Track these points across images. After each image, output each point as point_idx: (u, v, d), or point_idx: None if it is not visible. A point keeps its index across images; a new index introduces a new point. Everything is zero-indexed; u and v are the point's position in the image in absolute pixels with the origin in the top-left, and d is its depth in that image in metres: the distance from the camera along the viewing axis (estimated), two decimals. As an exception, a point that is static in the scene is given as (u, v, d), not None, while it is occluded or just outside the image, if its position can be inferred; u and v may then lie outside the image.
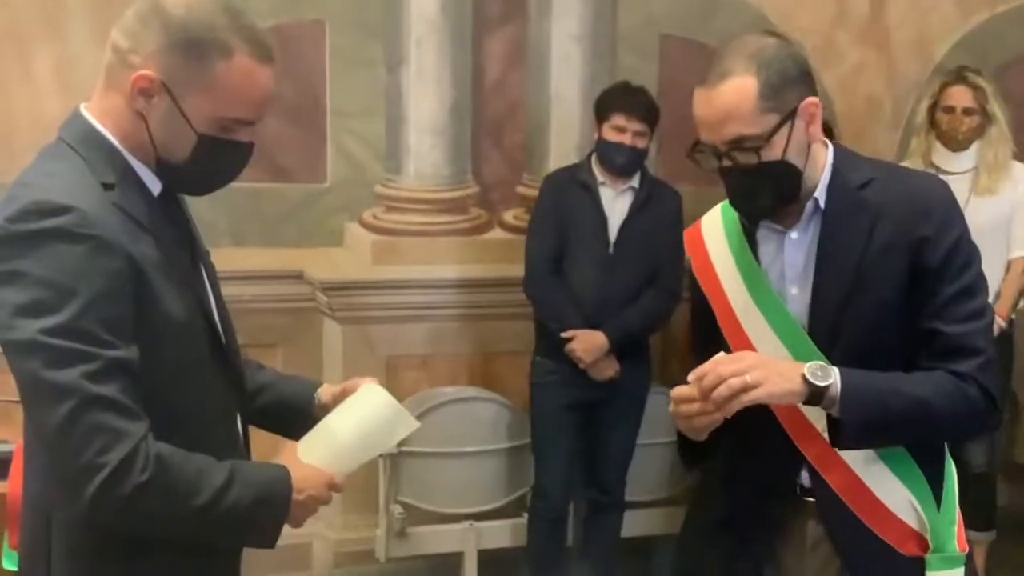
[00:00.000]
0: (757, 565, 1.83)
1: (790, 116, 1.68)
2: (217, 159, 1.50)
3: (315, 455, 1.57)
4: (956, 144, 3.50)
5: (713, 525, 1.93)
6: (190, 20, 1.45)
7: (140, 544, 1.46)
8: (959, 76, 3.52)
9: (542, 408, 3.39)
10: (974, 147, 3.50)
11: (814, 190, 1.75)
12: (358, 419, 1.61)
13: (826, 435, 1.71)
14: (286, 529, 1.54)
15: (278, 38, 3.10)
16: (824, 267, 1.74)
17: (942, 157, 3.52)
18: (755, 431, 1.72)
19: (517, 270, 3.41)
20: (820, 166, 1.76)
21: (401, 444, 3.45)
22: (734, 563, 1.86)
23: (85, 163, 1.45)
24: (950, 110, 3.50)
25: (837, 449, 1.71)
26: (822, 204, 1.75)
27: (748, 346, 1.76)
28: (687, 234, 1.94)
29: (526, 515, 3.50)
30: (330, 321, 3.58)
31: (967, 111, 3.48)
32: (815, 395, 1.63)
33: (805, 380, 1.62)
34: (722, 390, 1.60)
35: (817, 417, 1.72)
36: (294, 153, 3.44)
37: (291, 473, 1.52)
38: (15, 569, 2.22)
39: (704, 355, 1.69)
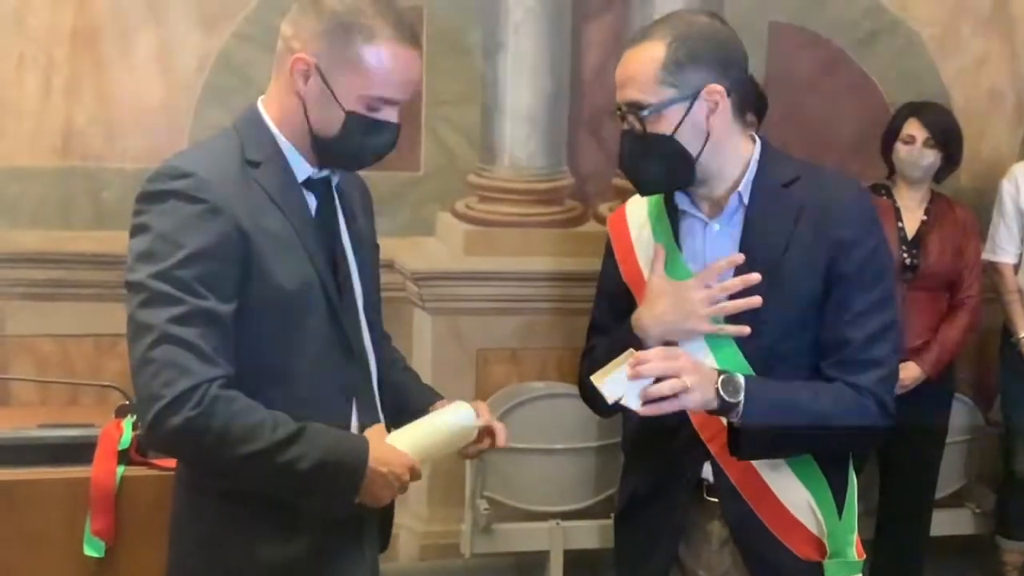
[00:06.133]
0: (663, 562, 1.82)
1: (689, 97, 1.66)
2: (364, 136, 1.64)
3: (398, 442, 1.67)
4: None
5: (617, 517, 1.95)
6: (339, 7, 1.62)
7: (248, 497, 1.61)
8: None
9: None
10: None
11: (737, 185, 1.73)
12: (443, 423, 1.73)
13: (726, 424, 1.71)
14: None
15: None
16: (745, 263, 1.71)
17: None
18: (658, 420, 1.71)
19: (611, 264, 3.32)
20: (743, 160, 1.74)
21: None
22: (640, 558, 1.85)
23: (241, 142, 1.65)
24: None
25: (735, 458, 1.70)
26: (745, 199, 1.73)
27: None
28: (610, 218, 1.93)
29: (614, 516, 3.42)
30: (420, 311, 3.55)
31: None
32: (724, 408, 1.66)
33: (718, 394, 1.63)
34: (663, 388, 1.60)
35: None
36: (389, 141, 3.41)
37: (371, 447, 1.60)
38: (97, 555, 2.24)
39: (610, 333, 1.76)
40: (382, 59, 1.61)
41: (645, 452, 1.85)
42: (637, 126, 1.69)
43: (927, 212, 3.29)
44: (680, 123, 1.67)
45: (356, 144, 1.65)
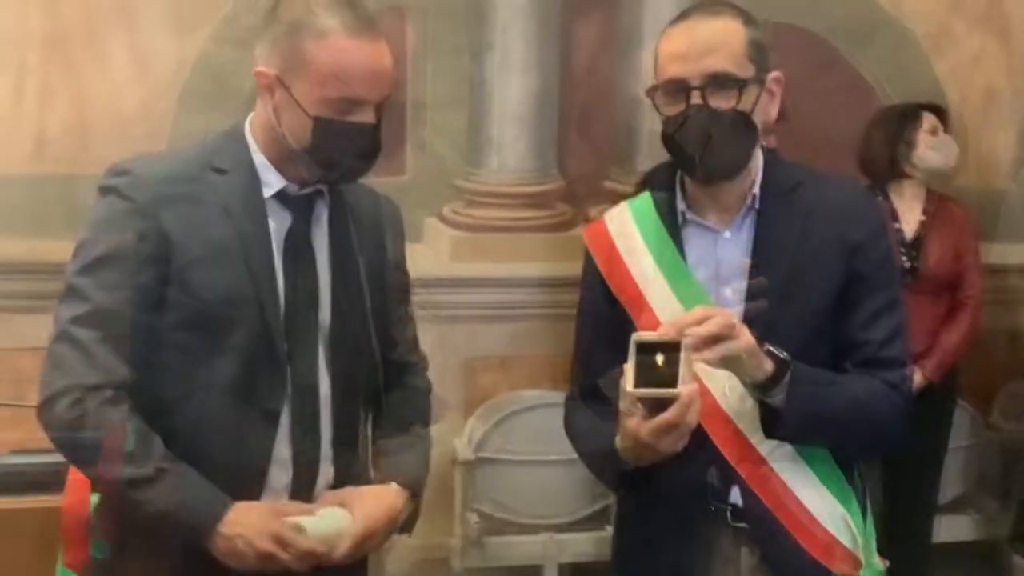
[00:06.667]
0: (665, 570, 1.72)
1: (764, 79, 1.63)
2: (337, 141, 1.56)
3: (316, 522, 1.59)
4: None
5: (617, 522, 1.87)
6: (291, 10, 1.57)
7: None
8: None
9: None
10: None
11: (748, 189, 1.69)
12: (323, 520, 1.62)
13: (755, 444, 1.65)
14: None
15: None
16: (760, 268, 1.66)
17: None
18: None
19: (603, 269, 3.25)
20: (757, 163, 1.70)
21: (478, 450, 3.36)
22: (640, 565, 1.76)
23: (215, 150, 1.63)
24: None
25: (772, 439, 1.64)
26: (757, 204, 1.69)
27: None
28: (587, 231, 1.85)
29: (609, 528, 3.35)
30: (407, 320, 3.47)
31: None
32: (777, 376, 1.57)
33: (770, 351, 1.56)
34: (710, 327, 1.49)
35: (745, 425, 1.66)
36: (373, 145, 3.35)
37: (235, 509, 1.53)
38: (102, 556, 2.16)
39: (600, 367, 1.65)
40: (333, 55, 1.53)
41: (659, 479, 1.72)
42: (723, 101, 1.59)
43: (925, 212, 3.24)
44: (756, 103, 1.62)
45: (330, 150, 1.58)
